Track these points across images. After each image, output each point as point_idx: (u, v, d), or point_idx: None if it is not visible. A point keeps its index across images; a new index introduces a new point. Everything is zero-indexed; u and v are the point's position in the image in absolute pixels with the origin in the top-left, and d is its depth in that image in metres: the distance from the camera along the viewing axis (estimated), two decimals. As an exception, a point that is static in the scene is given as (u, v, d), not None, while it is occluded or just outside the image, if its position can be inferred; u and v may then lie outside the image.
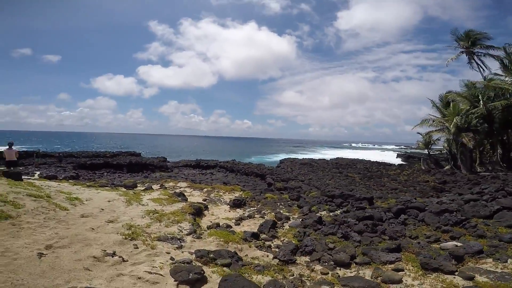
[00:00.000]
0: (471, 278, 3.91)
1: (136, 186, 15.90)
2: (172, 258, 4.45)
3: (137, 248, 4.57)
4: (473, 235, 6.20)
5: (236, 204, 11.58)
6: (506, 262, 4.36)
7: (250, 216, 9.90)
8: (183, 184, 17.87)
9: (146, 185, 17.39)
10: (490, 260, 4.54)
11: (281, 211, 10.79)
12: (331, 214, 10.47)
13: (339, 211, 10.81)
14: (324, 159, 46.58)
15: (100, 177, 24.62)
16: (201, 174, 31.11)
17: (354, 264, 5.16)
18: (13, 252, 3.53)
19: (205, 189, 15.70)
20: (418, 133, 32.37)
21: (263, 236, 7.37)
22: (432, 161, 31.67)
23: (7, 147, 11.05)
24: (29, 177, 15.58)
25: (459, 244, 5.37)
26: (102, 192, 9.22)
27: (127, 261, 4.01)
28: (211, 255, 4.73)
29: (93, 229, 5.05)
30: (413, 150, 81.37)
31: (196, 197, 13.41)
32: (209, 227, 7.64)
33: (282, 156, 63.90)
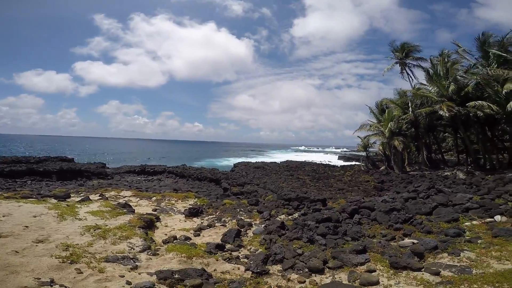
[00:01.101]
0: (437, 273, 4.10)
1: (70, 197, 13.59)
2: (128, 283, 3.68)
3: (81, 273, 3.68)
4: (422, 231, 6.72)
5: (192, 212, 10.73)
6: (459, 255, 4.74)
7: (210, 225, 9.23)
8: (128, 193, 16.02)
9: (82, 194, 15.06)
10: (446, 254, 4.90)
11: (242, 218, 10.38)
12: (290, 217, 10.47)
13: (297, 214, 10.88)
14: (275, 162, 47.65)
15: (22, 186, 20.57)
16: (147, 181, 28.58)
17: (328, 269, 5.06)
18: None
19: (154, 198, 14.29)
20: (358, 136, 35.64)
21: (228, 246, 6.90)
22: (369, 162, 35.10)
23: None
24: None
25: (415, 241, 5.71)
26: (25, 205, 7.47)
27: None
28: (176, 276, 4.06)
29: (17, 252, 3.90)
30: (352, 152, 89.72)
31: (144, 207, 12.06)
32: (165, 241, 6.79)
33: (235, 160, 63.37)
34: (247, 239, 7.72)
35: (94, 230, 5.87)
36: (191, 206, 12.19)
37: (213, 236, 8.16)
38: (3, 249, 4.05)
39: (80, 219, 6.73)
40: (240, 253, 6.51)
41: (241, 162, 47.34)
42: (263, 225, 8.86)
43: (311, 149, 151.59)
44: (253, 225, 9.22)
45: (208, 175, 29.82)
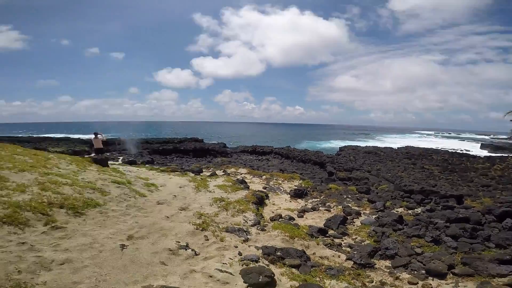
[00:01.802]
0: None
1: (202, 171, 16.93)
2: (240, 253, 4.41)
3: (208, 240, 4.65)
4: None
5: (297, 194, 11.22)
6: None
7: (313, 209, 9.43)
8: (243, 171, 18.31)
9: (210, 170, 18.40)
10: None
11: (350, 205, 9.98)
12: (410, 212, 9.30)
13: (420, 209, 9.57)
14: (390, 148, 42.15)
15: (171, 161, 27.18)
16: (257, 160, 31.53)
17: (452, 275, 4.31)
18: (99, 244, 3.76)
19: (264, 176, 15.74)
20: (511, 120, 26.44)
21: (331, 232, 6.84)
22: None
23: (93, 136, 12.72)
24: (113, 162, 18.06)
25: None
26: (174, 178, 9.93)
27: (199, 254, 4.08)
28: (279, 253, 4.51)
29: (168, 217, 5.36)
30: (503, 140, 67.72)
31: (256, 184, 13.52)
32: (272, 219, 7.50)
33: (340, 143, 60.07)
34: (353, 228, 7.43)
35: (220, 202, 7.18)
36: (296, 187, 12.75)
37: (316, 219, 8.25)
38: (159, 214, 5.55)
39: (210, 191, 8.38)
40: (343, 241, 6.34)
41: (348, 145, 44.58)
42: (374, 216, 8.27)
43: (441, 134, 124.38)
44: (361, 215, 8.74)
45: (313, 158, 29.90)
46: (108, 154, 29.21)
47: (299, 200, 10.86)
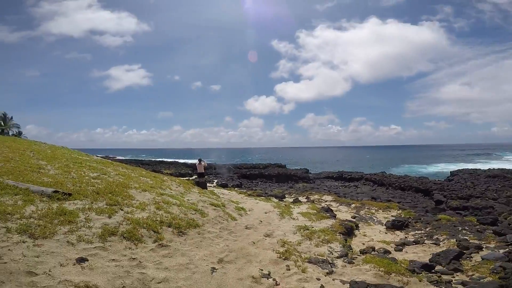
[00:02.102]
0: None
1: (285, 197, 17.09)
2: (322, 287, 4.15)
3: (289, 269, 4.60)
4: None
5: (395, 225, 9.79)
6: None
7: (416, 242, 8.03)
8: (329, 198, 17.42)
9: (293, 196, 18.41)
10: None
11: (467, 238, 8.07)
12: None
13: None
14: (526, 170, 31.97)
15: (256, 185, 28.67)
16: (344, 187, 29.46)
17: None
18: (194, 265, 4.05)
19: (353, 205, 14.48)
20: None
21: (438, 268, 5.77)
22: None
23: (198, 161, 14.83)
24: (210, 185, 20.40)
25: None
26: (260, 203, 10.41)
27: (279, 285, 4.06)
28: None
29: (254, 243, 5.66)
30: None
31: (343, 213, 12.57)
32: (362, 251, 6.76)
33: (449, 167, 49.75)
34: (470, 263, 6.00)
35: (304, 231, 7.02)
36: (394, 218, 11.16)
37: (419, 253, 7.07)
38: (247, 239, 5.86)
39: (293, 219, 8.34)
40: (454, 277, 5.29)
41: (463, 169, 36.40)
42: (502, 251, 6.46)
43: None
44: (483, 249, 6.93)
45: (414, 184, 25.77)
46: (206, 177, 33.61)
47: (397, 232, 9.45)
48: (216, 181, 28.58)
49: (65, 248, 3.44)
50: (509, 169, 33.62)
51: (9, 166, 6.35)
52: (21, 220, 3.77)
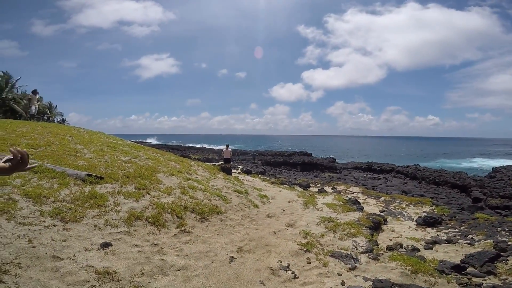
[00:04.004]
0: None
1: (310, 186, 16.81)
2: (343, 283, 3.98)
3: (309, 263, 4.46)
4: None
5: (427, 221, 9.20)
6: None
7: (448, 241, 7.53)
8: (356, 189, 16.83)
9: (318, 186, 18.04)
10: None
11: (506, 240, 7.39)
12: None
13: None
14: None
15: (280, 173, 28.57)
16: (373, 179, 28.30)
17: None
18: (213, 253, 4.03)
19: (382, 198, 13.83)
20: None
21: (470, 269, 5.36)
22: None
23: (225, 147, 15.07)
24: (234, 171, 20.70)
25: None
26: (283, 191, 10.30)
27: (298, 278, 3.96)
28: None
29: (275, 232, 5.54)
30: None
31: (371, 206, 12.07)
32: (389, 248, 6.43)
33: (492, 163, 45.38)
34: (506, 266, 5.48)
35: (328, 222, 6.82)
36: (426, 214, 10.50)
37: (450, 253, 6.61)
38: (268, 228, 5.68)
39: (318, 209, 8.13)
40: (485, 280, 4.91)
41: (507, 166, 32.98)
42: None
43: None
44: None
45: (450, 179, 24.02)
46: (231, 163, 34.29)
47: (428, 229, 8.89)
48: (240, 167, 28.93)
49: (92, 232, 3.58)
50: None
51: (49, 150, 6.75)
52: (55, 203, 3.97)
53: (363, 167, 34.17)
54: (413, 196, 17.19)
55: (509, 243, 7.06)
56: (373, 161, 37.13)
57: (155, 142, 78.09)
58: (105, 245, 3.42)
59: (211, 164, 17.85)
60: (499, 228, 8.74)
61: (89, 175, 5.26)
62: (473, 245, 7.17)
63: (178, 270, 3.41)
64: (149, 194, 5.19)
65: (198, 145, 70.56)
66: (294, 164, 34.18)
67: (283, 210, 7.39)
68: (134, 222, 4.11)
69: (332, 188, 16.70)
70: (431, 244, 7.17)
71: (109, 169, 6.11)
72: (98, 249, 3.32)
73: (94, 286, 2.73)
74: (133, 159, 7.72)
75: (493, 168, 32.21)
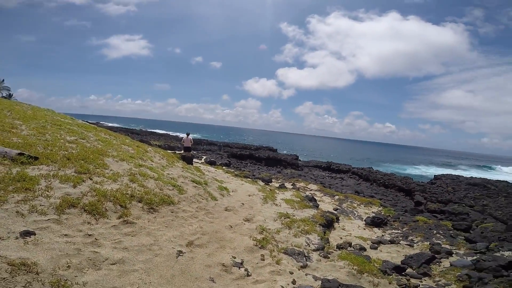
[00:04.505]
0: None
1: (271, 181, 17.02)
2: (293, 282, 4.05)
3: (263, 259, 4.44)
4: None
5: (374, 222, 9.86)
6: None
7: (392, 241, 8.15)
8: (314, 187, 17.48)
9: (279, 181, 18.37)
10: None
11: (440, 242, 8.28)
12: None
13: None
14: (506, 182, 32.91)
15: (245, 166, 28.57)
16: (330, 178, 29.77)
17: None
18: (158, 247, 3.72)
19: (337, 197, 14.56)
20: None
21: (409, 271, 5.90)
22: None
23: (186, 135, 14.48)
24: (197, 161, 20.11)
25: None
26: (245, 184, 10.21)
27: (250, 275, 3.90)
28: None
29: (231, 227, 5.40)
30: None
31: (326, 204, 12.61)
32: (339, 246, 6.73)
33: (436, 171, 51.02)
34: (439, 268, 6.15)
35: (284, 218, 6.88)
36: (375, 216, 11.27)
37: (392, 253, 7.20)
38: (224, 221, 5.48)
39: (276, 205, 8.19)
40: (421, 282, 5.43)
41: (447, 174, 37.16)
42: (470, 258, 6.63)
43: None
44: (453, 255, 7.09)
45: (398, 183, 26.22)
46: (195, 152, 33.29)
47: (375, 229, 9.53)
48: (204, 157, 28.28)
49: (12, 219, 3.06)
50: (490, 179, 34.59)
51: (-24, 124, 5.77)
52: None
53: (322, 166, 35.73)
54: (364, 196, 18.42)
55: (443, 246, 7.87)
56: (332, 161, 39.03)
57: (114, 125, 73.00)
58: (26, 233, 2.93)
59: (172, 152, 17.09)
60: (435, 231, 9.72)
61: (21, 154, 4.54)
62: (412, 246, 7.83)
63: (114, 264, 3.08)
64: (91, 179, 4.63)
65: (162, 131, 67.40)
66: (259, 159, 34.45)
67: (243, 203, 7.28)
68: (67, 209, 3.61)
69: (292, 185, 17.12)
70: (376, 244, 7.66)
71: (48, 149, 5.37)
72: (17, 238, 2.84)
73: (4, 278, 2.31)
74: (80, 139, 6.93)
75: (434, 175, 35.93)
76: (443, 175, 35.34)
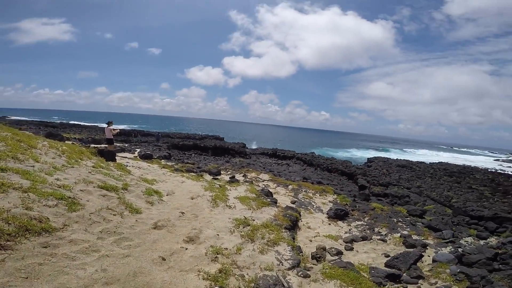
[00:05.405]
0: None
1: (220, 174, 15.06)
2: None
3: None
4: None
5: (338, 214, 8.95)
6: None
7: (364, 238, 7.26)
8: (265, 177, 16.22)
9: (229, 173, 16.54)
10: None
11: (407, 232, 7.77)
12: (482, 242, 7.56)
13: (495, 240, 7.89)
14: (423, 163, 38.32)
15: (189, 157, 25.77)
16: (277, 164, 29.41)
17: None
18: None
19: (290, 186, 13.54)
20: None
21: (404, 277, 4.89)
22: None
23: (106, 125, 11.34)
24: (128, 155, 16.70)
25: None
26: (187, 182, 8.04)
27: None
28: None
29: (163, 259, 3.31)
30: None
31: (282, 196, 11.38)
32: (315, 256, 5.37)
33: (365, 153, 56.69)
34: (426, 267, 5.40)
35: (243, 227, 5.13)
36: (334, 206, 10.52)
37: (370, 253, 6.28)
38: (151, 251, 3.50)
39: (229, 207, 6.34)
40: (419, 287, 4.66)
41: (378, 157, 41.17)
42: (446, 250, 6.10)
43: (475, 152, 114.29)
44: (428, 247, 6.50)
45: (340, 167, 27.19)
46: (127, 145, 28.64)
47: (339, 222, 8.63)
48: (138, 150, 24.40)
49: None
50: (412, 160, 39.63)
51: None
52: None
53: (269, 153, 35.38)
54: (313, 183, 18.17)
55: (414, 237, 7.30)
56: (277, 148, 39.03)
57: (23, 118, 59.81)
58: None
59: (93, 146, 13.52)
60: (395, 219, 9.38)
61: None
62: (385, 241, 7.04)
63: None
64: None
65: (88, 124, 57.91)
66: (205, 148, 31.93)
67: (183, 213, 5.18)
68: None
69: (243, 176, 15.52)
70: (349, 243, 6.65)
71: None
72: None
73: None
74: None
75: (368, 158, 39.22)
76: (376, 158, 39.01)
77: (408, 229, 8.33)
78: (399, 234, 7.51)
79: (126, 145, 28.44)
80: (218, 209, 6.04)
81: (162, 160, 19.64)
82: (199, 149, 31.52)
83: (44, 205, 3.34)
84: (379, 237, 7.25)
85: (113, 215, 3.98)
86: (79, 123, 56.78)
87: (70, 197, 3.78)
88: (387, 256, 5.97)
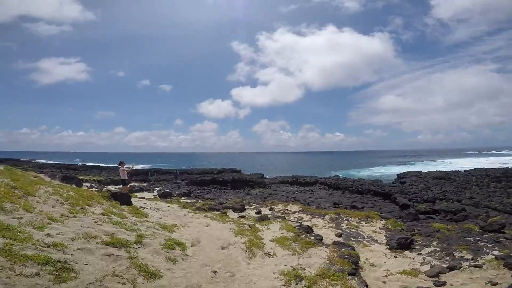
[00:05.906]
0: None
1: (245, 209, 13.65)
2: None
3: None
4: None
5: (402, 244, 7.22)
6: None
7: (451, 268, 5.55)
8: (294, 207, 14.57)
9: (253, 207, 15.08)
10: None
11: (499, 253, 5.94)
12: None
13: None
14: (458, 171, 34.92)
15: (208, 192, 24.63)
16: (300, 192, 27.58)
17: None
18: None
19: (328, 216, 11.80)
20: None
21: None
22: None
23: (119, 166, 10.61)
24: (145, 194, 15.80)
25: None
26: (212, 224, 6.73)
27: None
28: None
29: None
30: None
31: (322, 229, 9.71)
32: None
33: (391, 170, 53.39)
34: None
35: (296, 283, 3.70)
36: (391, 234, 8.74)
37: (471, 285, 4.70)
38: None
39: (269, 255, 4.92)
40: None
41: (408, 172, 38.18)
42: None
43: (503, 153, 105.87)
44: None
45: (372, 188, 24.92)
46: (145, 184, 27.99)
47: (406, 252, 6.90)
48: (157, 189, 23.60)
49: None
50: (447, 171, 36.27)
51: None
52: None
53: (289, 180, 33.64)
54: (345, 208, 16.31)
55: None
56: (295, 174, 37.13)
57: (48, 162, 62.49)
58: None
59: (113, 186, 12.75)
60: (471, 239, 7.50)
61: None
62: (481, 267, 5.30)
63: None
64: None
65: (109, 165, 59.08)
66: (224, 182, 30.77)
67: (215, 271, 3.84)
68: None
69: (270, 209, 14.00)
70: (436, 277, 5.06)
71: None
72: None
73: None
74: None
75: (397, 175, 36.33)
76: (406, 173, 36.08)
77: (496, 247, 6.49)
78: (491, 256, 5.73)
79: (145, 184, 27.87)
80: (256, 259, 4.65)
81: (182, 198, 18.56)
82: (217, 183, 30.42)
83: (18, 274, 2.18)
84: (468, 264, 5.50)
85: (122, 284, 2.73)
86: (100, 164, 57.88)
87: (60, 261, 2.62)
88: (494, 284, 4.28)
